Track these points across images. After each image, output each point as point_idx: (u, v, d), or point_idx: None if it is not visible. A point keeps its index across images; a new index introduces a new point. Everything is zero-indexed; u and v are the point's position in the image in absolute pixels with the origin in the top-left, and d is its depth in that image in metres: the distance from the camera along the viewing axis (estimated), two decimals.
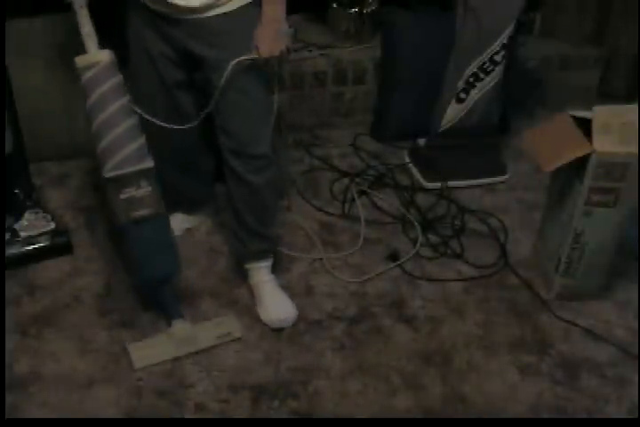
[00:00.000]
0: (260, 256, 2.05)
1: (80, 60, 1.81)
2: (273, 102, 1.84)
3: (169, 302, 1.93)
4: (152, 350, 1.87)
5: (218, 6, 1.70)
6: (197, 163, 2.16)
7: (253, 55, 1.73)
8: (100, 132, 1.79)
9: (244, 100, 1.82)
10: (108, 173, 1.77)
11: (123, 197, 1.78)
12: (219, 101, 1.81)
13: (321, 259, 2.19)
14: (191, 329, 1.90)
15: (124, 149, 1.77)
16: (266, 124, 1.88)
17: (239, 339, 1.91)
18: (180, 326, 1.89)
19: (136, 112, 1.82)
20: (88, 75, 1.78)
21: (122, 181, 1.78)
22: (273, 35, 1.73)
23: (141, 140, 1.81)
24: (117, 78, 1.80)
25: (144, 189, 1.79)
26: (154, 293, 1.95)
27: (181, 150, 2.06)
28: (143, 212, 1.80)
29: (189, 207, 2.29)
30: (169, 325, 1.90)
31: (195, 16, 1.71)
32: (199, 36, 1.75)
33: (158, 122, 1.87)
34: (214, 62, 1.76)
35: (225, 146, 1.89)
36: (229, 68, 1.73)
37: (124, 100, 1.80)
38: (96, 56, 1.80)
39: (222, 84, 1.76)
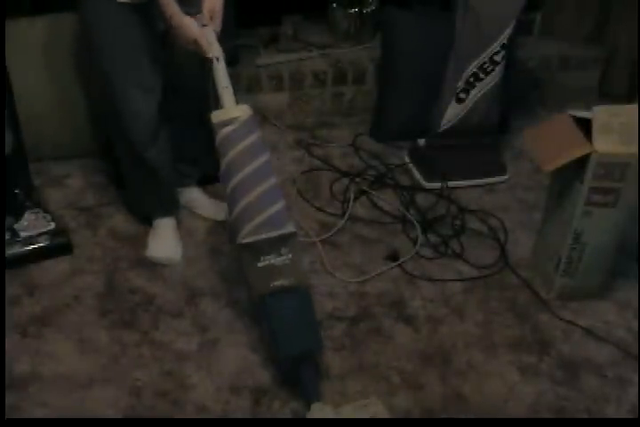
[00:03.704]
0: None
1: (216, 116, 1.72)
2: None
3: (308, 382, 1.71)
4: None
5: None
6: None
7: None
8: (236, 194, 1.69)
9: None
10: (244, 238, 1.65)
11: (260, 265, 1.65)
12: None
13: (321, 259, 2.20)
14: (333, 415, 1.65)
15: (263, 212, 1.66)
16: None
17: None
18: (319, 412, 1.65)
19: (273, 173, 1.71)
20: (225, 131, 1.70)
21: (260, 248, 1.65)
22: None
23: (282, 203, 1.70)
24: (257, 135, 1.72)
25: (284, 258, 1.65)
26: (292, 370, 1.73)
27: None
28: (283, 282, 1.66)
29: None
30: (307, 408, 1.68)
31: None
32: None
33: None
34: None
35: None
36: None
37: (265, 157, 1.71)
38: (234, 111, 1.71)
39: None
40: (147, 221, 2.27)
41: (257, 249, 1.66)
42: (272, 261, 1.66)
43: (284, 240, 1.66)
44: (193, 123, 2.17)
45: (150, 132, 2.04)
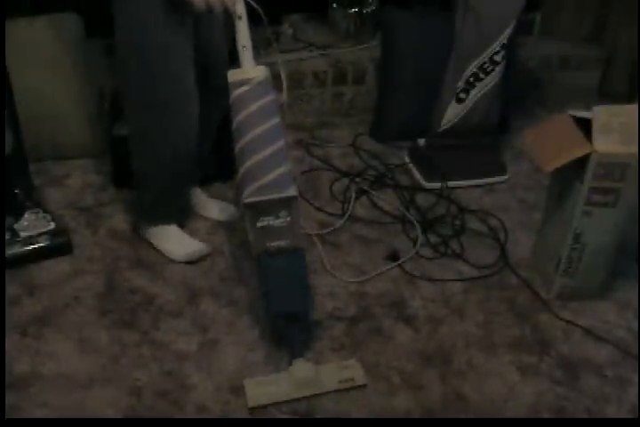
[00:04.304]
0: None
1: (233, 75, 1.74)
2: None
3: (293, 339, 1.82)
4: (269, 389, 1.75)
5: None
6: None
7: None
8: (245, 153, 1.71)
9: None
10: (248, 198, 1.69)
11: (260, 225, 1.70)
12: None
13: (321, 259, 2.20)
14: (314, 371, 1.76)
15: (269, 173, 1.69)
16: None
17: (363, 386, 1.78)
18: (301, 366, 1.76)
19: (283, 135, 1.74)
20: (239, 91, 1.73)
21: (261, 208, 1.69)
22: None
23: (287, 166, 1.73)
24: (271, 96, 1.75)
25: (282, 220, 1.70)
26: (281, 329, 1.84)
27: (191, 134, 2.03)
28: (279, 243, 1.72)
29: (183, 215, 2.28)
30: (290, 363, 1.78)
31: None
32: None
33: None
34: None
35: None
36: None
37: (276, 120, 1.74)
38: (250, 72, 1.74)
39: None
40: (144, 224, 2.24)
41: (258, 209, 1.70)
42: (270, 223, 1.70)
43: (284, 203, 1.70)
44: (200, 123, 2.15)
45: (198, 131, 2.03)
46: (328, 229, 2.33)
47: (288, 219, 1.71)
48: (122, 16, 1.86)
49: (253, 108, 1.72)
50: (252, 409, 1.71)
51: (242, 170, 1.73)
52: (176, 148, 2.02)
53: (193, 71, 1.92)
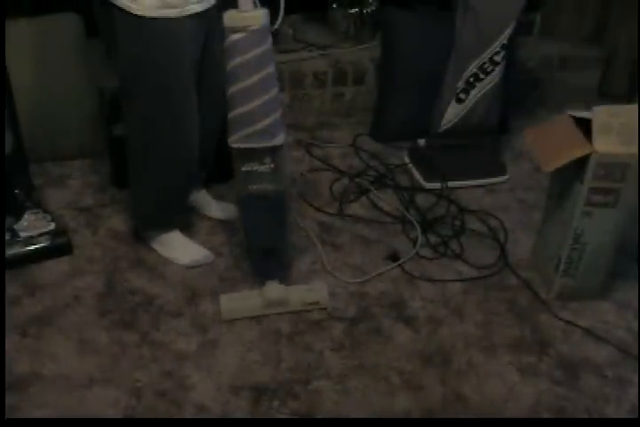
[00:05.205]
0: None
1: (229, 18, 1.64)
2: None
3: (268, 266, 1.99)
4: (242, 304, 1.95)
5: None
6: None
7: None
8: (237, 99, 1.72)
9: None
10: (235, 143, 1.76)
11: (244, 169, 1.79)
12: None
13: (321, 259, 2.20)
14: (283, 291, 1.96)
15: (258, 122, 1.73)
16: None
17: (325, 309, 2.00)
18: (272, 286, 1.95)
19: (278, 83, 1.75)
20: (234, 38, 1.65)
21: (246, 155, 1.77)
22: None
23: (277, 115, 1.76)
24: (266, 46, 1.68)
25: (266, 166, 1.79)
26: (260, 260, 2.02)
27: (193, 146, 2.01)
28: (259, 187, 1.82)
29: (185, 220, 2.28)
30: (263, 284, 1.97)
31: None
32: None
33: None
34: None
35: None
36: None
37: (271, 68, 1.71)
38: (247, 18, 1.63)
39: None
40: (146, 232, 2.22)
41: (244, 155, 1.78)
42: (254, 168, 1.79)
43: (269, 151, 1.77)
44: (205, 125, 2.15)
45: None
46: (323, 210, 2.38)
47: (272, 165, 1.79)
48: (122, 50, 1.82)
49: (248, 56, 1.67)
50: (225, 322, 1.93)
51: (231, 115, 1.75)
52: (178, 163, 2.01)
53: (194, 92, 1.90)
